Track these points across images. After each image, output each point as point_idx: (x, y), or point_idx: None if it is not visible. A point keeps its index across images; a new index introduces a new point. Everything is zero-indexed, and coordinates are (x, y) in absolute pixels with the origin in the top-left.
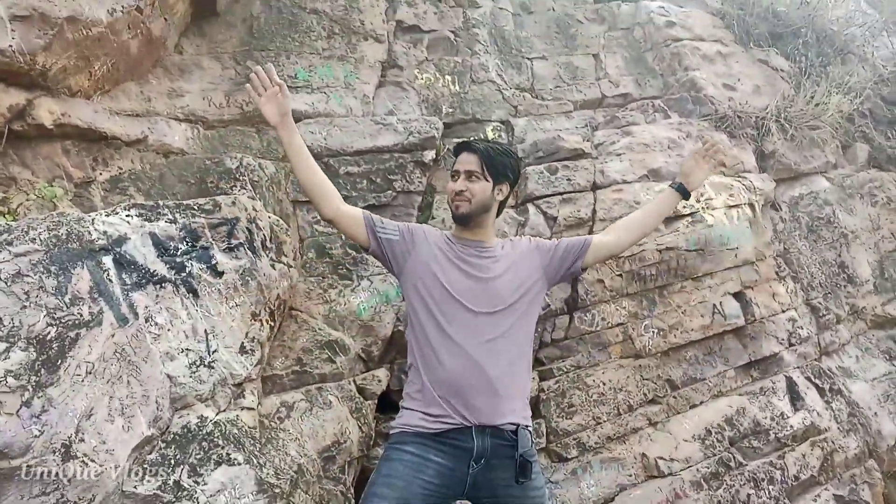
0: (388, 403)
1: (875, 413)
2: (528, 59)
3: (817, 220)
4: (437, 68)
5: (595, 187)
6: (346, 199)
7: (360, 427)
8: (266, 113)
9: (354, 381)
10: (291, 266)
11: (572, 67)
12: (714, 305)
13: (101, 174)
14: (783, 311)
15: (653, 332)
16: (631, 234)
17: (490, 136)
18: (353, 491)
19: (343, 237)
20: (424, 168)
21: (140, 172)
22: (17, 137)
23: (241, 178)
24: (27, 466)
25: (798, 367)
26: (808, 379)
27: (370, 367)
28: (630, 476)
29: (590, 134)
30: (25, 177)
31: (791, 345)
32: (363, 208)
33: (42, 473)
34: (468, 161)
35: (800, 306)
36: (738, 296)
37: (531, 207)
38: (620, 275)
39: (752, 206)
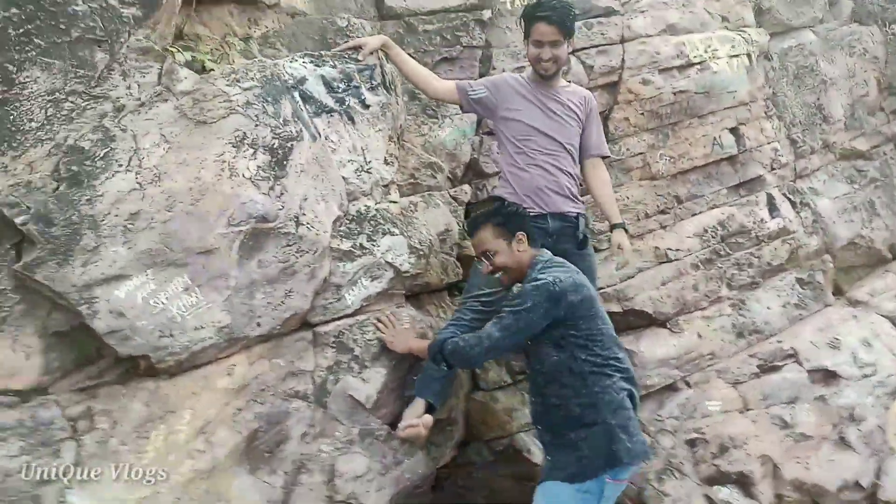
0: (468, 212)
1: (834, 222)
2: None
3: (802, 69)
4: None
5: (623, 40)
6: (424, 52)
7: (457, 223)
8: (371, 45)
9: (449, 193)
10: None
11: None
12: (714, 138)
13: (255, 31)
14: (768, 143)
15: (666, 159)
16: (591, 187)
17: None
18: (458, 263)
19: None
20: (483, 25)
21: (280, 31)
22: (198, 3)
23: (350, 34)
24: (277, 228)
25: (777, 187)
26: (784, 195)
27: (455, 185)
28: (646, 262)
29: None
30: (205, 33)
31: (773, 169)
32: (438, 61)
33: (286, 233)
34: (549, 32)
35: (782, 139)
36: (733, 131)
37: (572, 58)
38: (643, 113)
39: (749, 56)
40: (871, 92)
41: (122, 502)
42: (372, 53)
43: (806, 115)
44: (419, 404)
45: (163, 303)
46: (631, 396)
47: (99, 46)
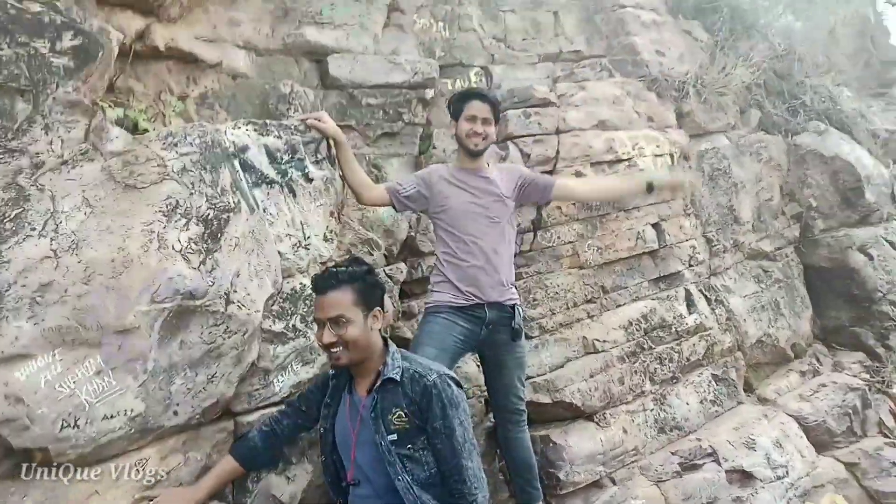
0: (402, 292)
1: (744, 319)
2: (503, 11)
3: (717, 171)
4: (431, 14)
5: (558, 132)
6: (366, 126)
7: (392, 303)
8: (328, 129)
9: (384, 270)
10: None
11: (536, 22)
12: (638, 232)
13: (192, 91)
14: (686, 240)
15: (594, 249)
16: (599, 196)
17: (473, 80)
18: None
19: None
20: (425, 104)
21: (219, 91)
22: (134, 56)
23: (293, 102)
24: (205, 306)
25: (694, 283)
26: (700, 291)
27: (390, 262)
28: (574, 351)
29: (553, 85)
30: (139, 89)
31: (690, 265)
32: (380, 135)
33: (214, 311)
34: (483, 108)
35: (699, 237)
36: (655, 226)
37: (511, 144)
38: (574, 204)
39: (671, 155)
40: (774, 196)
41: None
42: (323, 138)
43: (720, 215)
44: None
45: (70, 387)
46: None
47: (21, 96)
